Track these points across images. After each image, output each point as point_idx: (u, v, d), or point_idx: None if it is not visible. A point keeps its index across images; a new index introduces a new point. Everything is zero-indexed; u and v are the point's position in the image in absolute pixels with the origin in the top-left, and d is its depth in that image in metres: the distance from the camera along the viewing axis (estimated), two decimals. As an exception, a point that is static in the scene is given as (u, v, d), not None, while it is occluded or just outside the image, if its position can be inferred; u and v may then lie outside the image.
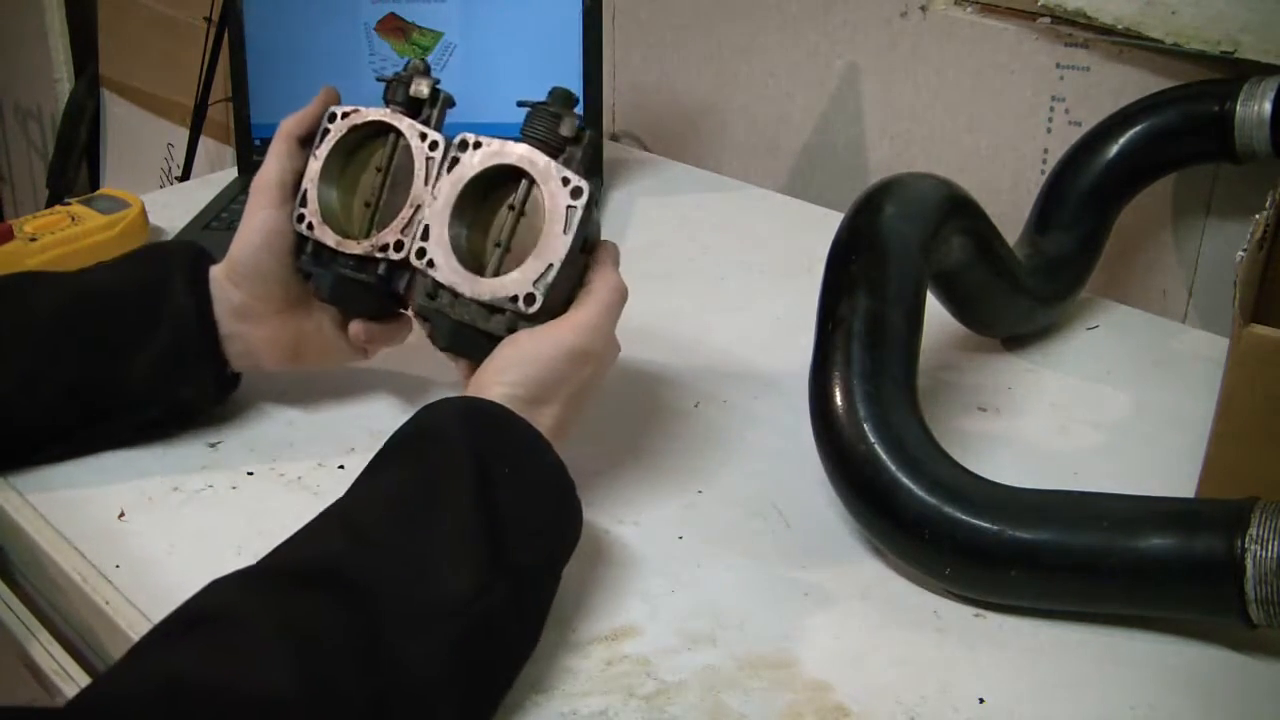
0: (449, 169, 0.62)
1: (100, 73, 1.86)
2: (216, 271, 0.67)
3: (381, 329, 0.69)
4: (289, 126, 0.67)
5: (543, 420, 0.57)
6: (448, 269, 0.61)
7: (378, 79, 0.68)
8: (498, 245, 0.61)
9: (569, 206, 0.59)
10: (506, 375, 0.57)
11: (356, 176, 0.67)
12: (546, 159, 0.60)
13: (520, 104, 0.63)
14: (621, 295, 0.61)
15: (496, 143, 0.62)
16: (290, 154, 0.67)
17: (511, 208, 0.61)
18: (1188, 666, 0.54)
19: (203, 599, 0.47)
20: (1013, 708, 0.52)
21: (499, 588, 0.50)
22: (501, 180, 0.62)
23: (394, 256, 0.63)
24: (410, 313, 0.66)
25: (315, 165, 0.66)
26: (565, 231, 0.59)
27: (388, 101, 0.66)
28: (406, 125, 0.65)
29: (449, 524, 0.50)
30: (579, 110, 0.63)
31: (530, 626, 0.53)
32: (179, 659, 0.44)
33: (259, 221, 0.66)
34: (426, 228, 0.62)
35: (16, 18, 2.00)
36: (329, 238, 0.65)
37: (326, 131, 0.67)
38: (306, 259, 0.67)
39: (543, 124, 0.62)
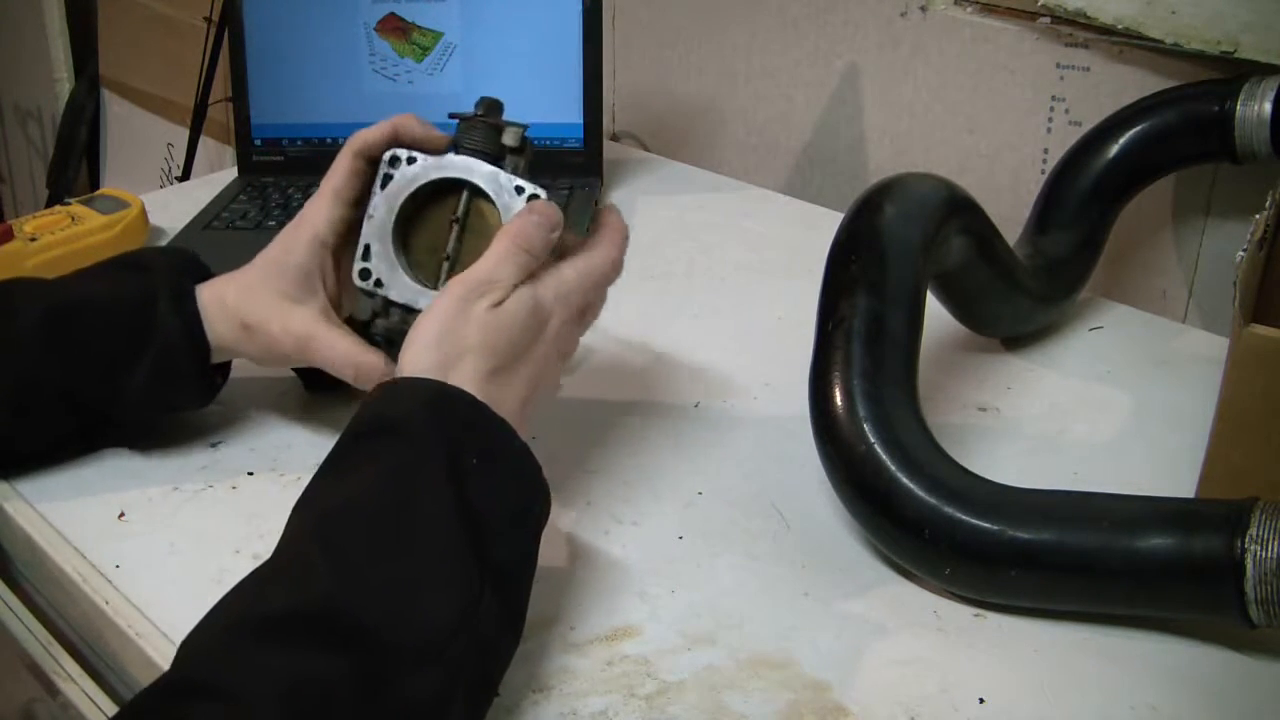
0: (383, 186, 0.62)
1: (100, 73, 1.86)
2: (226, 282, 0.66)
3: None
4: (356, 144, 0.65)
5: (465, 379, 0.54)
6: (398, 286, 0.61)
7: (450, 116, 0.64)
8: (446, 259, 0.61)
9: None
10: (411, 350, 0.56)
11: (426, 222, 0.63)
12: (494, 169, 0.60)
13: (451, 116, 0.62)
14: (518, 240, 0.57)
15: (433, 158, 0.62)
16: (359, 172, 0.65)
17: (455, 221, 0.61)
18: (1188, 666, 0.54)
19: (192, 665, 0.45)
20: (1013, 708, 0.52)
21: (487, 595, 0.48)
22: (437, 194, 0.62)
23: None
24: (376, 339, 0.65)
25: (371, 224, 0.62)
26: None
27: (459, 146, 0.62)
28: (493, 186, 0.61)
29: (432, 534, 0.49)
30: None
31: (516, 624, 0.52)
32: None
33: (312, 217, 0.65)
34: (367, 247, 0.62)
35: (16, 18, 2.00)
36: (407, 292, 0.62)
37: (389, 177, 0.62)
38: (381, 325, 0.63)
39: (481, 134, 0.61)
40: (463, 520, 0.49)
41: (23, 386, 0.64)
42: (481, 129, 0.62)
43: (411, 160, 0.62)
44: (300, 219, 0.66)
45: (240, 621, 0.46)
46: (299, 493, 0.51)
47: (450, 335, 0.55)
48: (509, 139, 0.61)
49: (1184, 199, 0.88)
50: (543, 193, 0.60)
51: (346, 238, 0.65)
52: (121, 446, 0.69)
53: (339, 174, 0.65)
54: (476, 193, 0.61)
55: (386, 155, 0.62)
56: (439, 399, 0.53)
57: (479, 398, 0.54)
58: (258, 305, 0.65)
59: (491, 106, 0.63)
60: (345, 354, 0.64)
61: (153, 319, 0.64)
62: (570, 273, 0.60)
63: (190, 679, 0.44)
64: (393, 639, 0.45)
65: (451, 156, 0.62)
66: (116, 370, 0.64)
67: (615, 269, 0.62)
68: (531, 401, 0.58)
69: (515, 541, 0.52)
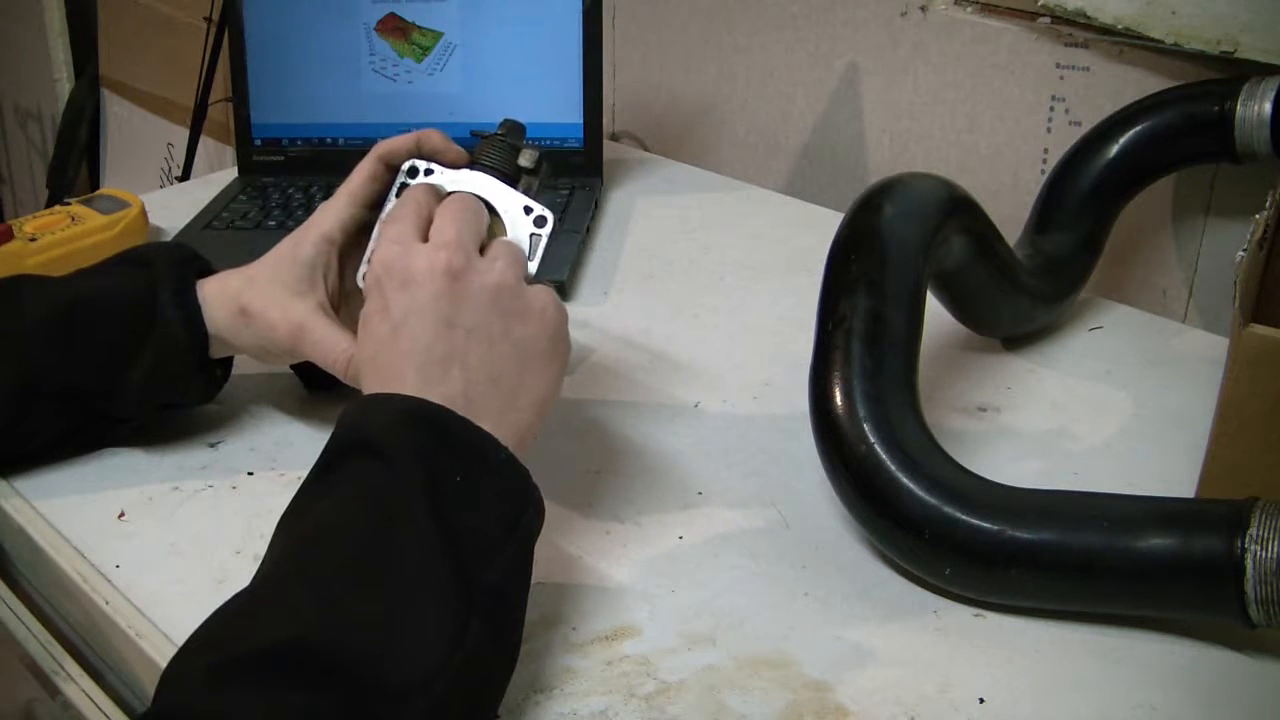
0: (398, 193, 0.64)
1: (100, 73, 1.86)
2: (231, 274, 0.67)
3: None
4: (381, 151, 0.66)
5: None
6: None
7: (472, 134, 0.65)
8: None
9: (533, 235, 0.61)
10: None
11: None
12: (507, 188, 0.62)
13: (474, 134, 0.64)
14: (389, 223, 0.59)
15: (449, 171, 0.63)
16: (378, 176, 0.66)
17: None
18: (1188, 666, 0.54)
19: (174, 700, 0.44)
20: (1013, 708, 0.52)
21: (475, 622, 0.47)
22: None
23: None
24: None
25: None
26: (530, 258, 0.61)
27: (477, 162, 0.64)
28: (503, 202, 0.62)
29: (412, 561, 0.47)
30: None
31: (510, 643, 0.51)
32: None
33: (325, 217, 0.66)
34: (374, 253, 0.62)
35: (16, 18, 2.00)
36: None
37: (405, 186, 0.64)
38: None
39: (498, 153, 0.63)
40: (444, 541, 0.48)
41: (26, 383, 0.64)
42: (500, 148, 0.63)
43: (429, 172, 0.64)
44: (313, 218, 0.67)
45: (222, 656, 0.44)
46: (298, 493, 0.51)
47: (364, 321, 0.57)
48: (525, 160, 0.63)
49: (1184, 199, 0.88)
50: (550, 214, 0.61)
51: (355, 239, 0.66)
52: (122, 445, 0.69)
53: (359, 176, 0.66)
54: (487, 208, 0.62)
55: (405, 165, 0.64)
56: (411, 414, 0.52)
57: (457, 409, 0.53)
58: (259, 293, 0.65)
59: (513, 128, 0.64)
60: (336, 348, 0.64)
61: (154, 312, 0.65)
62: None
63: (172, 715, 0.43)
64: (375, 675, 0.44)
65: (467, 172, 0.63)
66: (118, 364, 0.65)
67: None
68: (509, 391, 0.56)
69: (505, 557, 0.50)
